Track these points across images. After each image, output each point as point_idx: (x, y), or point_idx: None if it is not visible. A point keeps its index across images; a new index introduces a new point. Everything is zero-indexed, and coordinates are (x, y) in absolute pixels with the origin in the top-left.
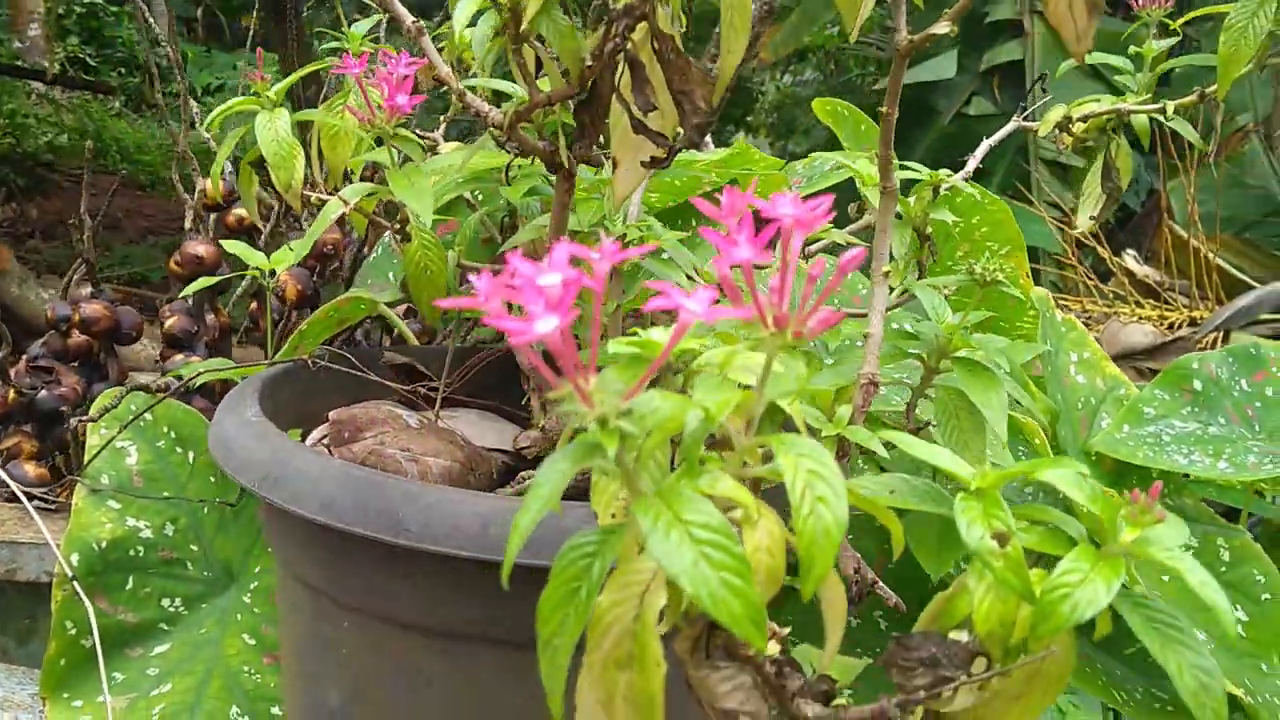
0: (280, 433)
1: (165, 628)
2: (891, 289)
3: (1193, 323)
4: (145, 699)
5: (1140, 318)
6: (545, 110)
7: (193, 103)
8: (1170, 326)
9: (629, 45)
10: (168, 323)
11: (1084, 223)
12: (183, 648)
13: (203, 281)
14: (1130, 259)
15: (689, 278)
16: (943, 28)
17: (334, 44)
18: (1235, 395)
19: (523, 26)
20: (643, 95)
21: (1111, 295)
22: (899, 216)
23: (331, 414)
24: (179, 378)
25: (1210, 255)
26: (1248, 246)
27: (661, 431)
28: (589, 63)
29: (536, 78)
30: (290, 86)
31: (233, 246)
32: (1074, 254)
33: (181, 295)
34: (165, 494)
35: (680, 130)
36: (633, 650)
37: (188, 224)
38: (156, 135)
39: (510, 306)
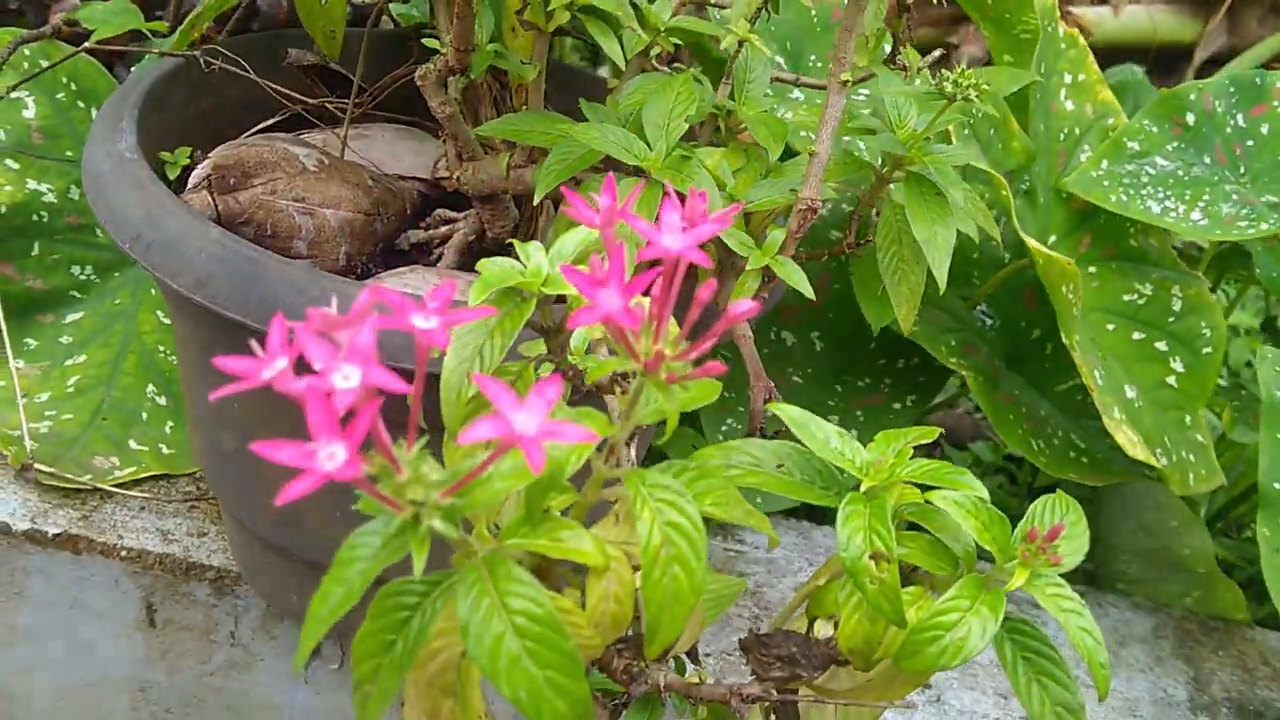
0: (156, 181)
1: (77, 295)
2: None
3: None
4: (60, 368)
5: None
6: None
7: None
8: None
9: None
10: None
11: None
12: (96, 318)
13: None
14: None
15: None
16: None
17: None
18: (1228, 131)
19: None
20: None
21: None
22: None
23: (214, 154)
24: (73, 24)
25: None
26: None
27: (505, 490)
28: None
29: None
30: None
31: None
32: None
33: None
34: (69, 154)
35: None
36: (455, 685)
37: None
38: None
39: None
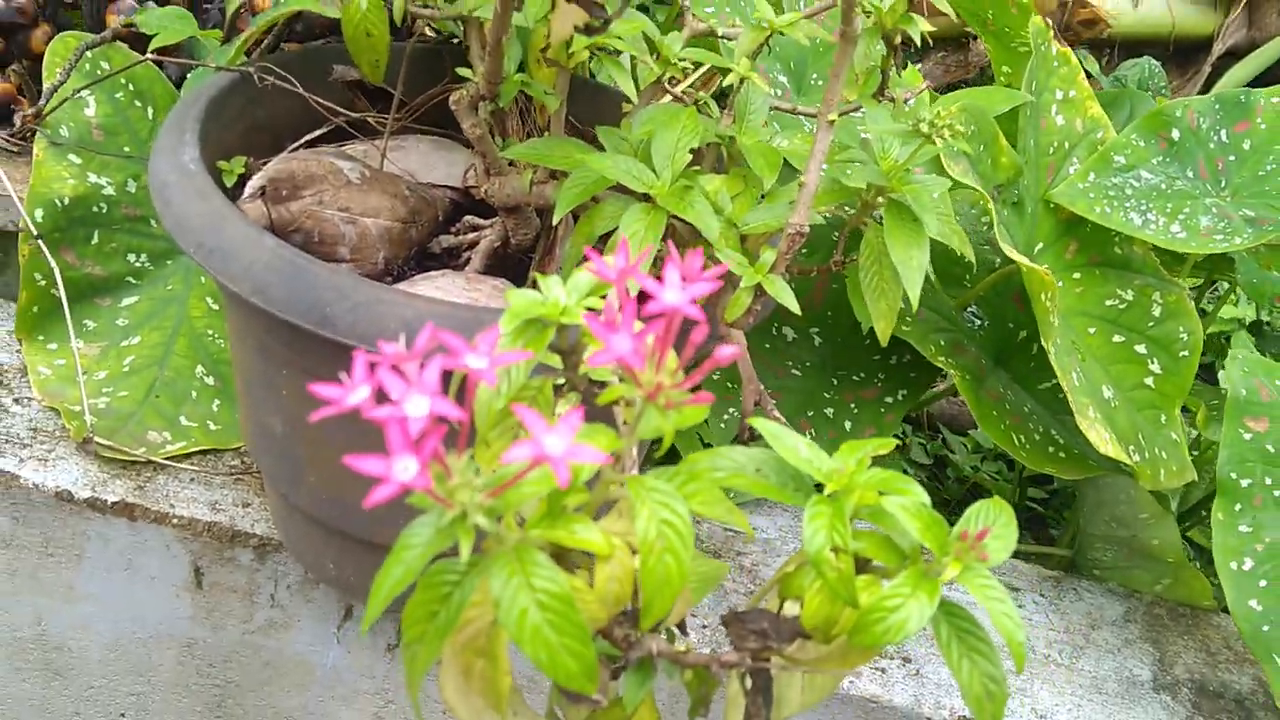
0: (216, 191)
1: (133, 281)
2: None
3: None
4: (116, 349)
5: None
6: None
7: None
8: None
9: None
10: None
11: None
12: (150, 303)
13: None
14: None
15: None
16: None
17: None
18: (1211, 147)
19: None
20: None
21: None
22: (866, 13)
23: (269, 168)
24: (130, 25)
25: None
26: None
27: (535, 494)
28: None
29: None
30: None
31: None
32: None
33: None
34: (126, 150)
35: None
36: (487, 646)
37: None
38: None
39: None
